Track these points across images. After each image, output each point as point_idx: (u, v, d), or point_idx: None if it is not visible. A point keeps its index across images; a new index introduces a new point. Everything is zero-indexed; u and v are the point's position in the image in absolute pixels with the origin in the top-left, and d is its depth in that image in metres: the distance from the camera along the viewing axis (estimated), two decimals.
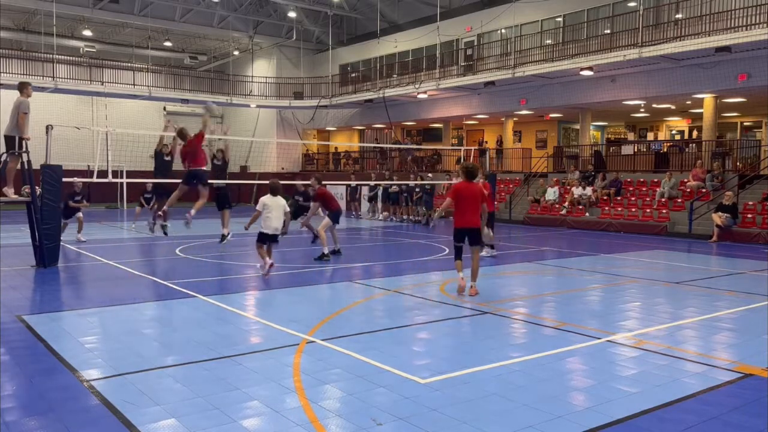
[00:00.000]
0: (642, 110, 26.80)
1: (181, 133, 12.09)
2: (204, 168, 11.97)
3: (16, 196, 11.46)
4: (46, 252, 11.24)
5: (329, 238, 13.45)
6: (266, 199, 10.51)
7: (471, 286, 9.15)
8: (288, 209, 10.98)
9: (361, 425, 4.33)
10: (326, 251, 12.85)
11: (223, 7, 32.68)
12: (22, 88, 10.98)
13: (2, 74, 27.65)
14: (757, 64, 19.01)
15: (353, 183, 26.71)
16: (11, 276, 10.49)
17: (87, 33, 34.36)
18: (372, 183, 25.36)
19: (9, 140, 10.84)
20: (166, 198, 12.77)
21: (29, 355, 5.95)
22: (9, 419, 4.37)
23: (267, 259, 10.47)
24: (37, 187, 11.50)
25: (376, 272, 11.62)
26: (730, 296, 9.39)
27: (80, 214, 15.35)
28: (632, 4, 21.54)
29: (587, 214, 21.77)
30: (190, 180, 11.81)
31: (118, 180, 14.06)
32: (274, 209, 10.47)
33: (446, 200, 9.78)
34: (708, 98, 21.50)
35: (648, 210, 20.33)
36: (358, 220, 25.28)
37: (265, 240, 10.56)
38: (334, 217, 13.29)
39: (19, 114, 10.69)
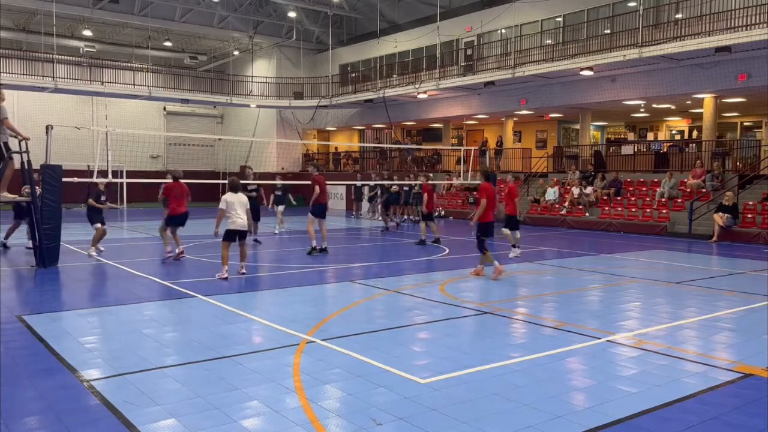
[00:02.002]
0: (642, 110, 26.78)
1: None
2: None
3: (15, 196, 11.45)
4: (46, 252, 11.24)
5: (319, 237, 13.64)
6: (228, 196, 10.44)
7: (482, 268, 10.97)
8: (249, 206, 10.73)
9: (361, 425, 4.33)
10: (314, 244, 13.41)
11: (223, 7, 32.67)
12: None
13: (2, 74, 27.64)
14: (757, 64, 19.00)
15: (358, 183, 26.69)
16: (11, 276, 10.49)
17: (87, 33, 34.35)
18: (372, 183, 25.35)
19: None
20: None
21: (29, 355, 5.95)
22: (9, 419, 4.37)
23: (226, 268, 10.41)
24: (37, 187, 11.50)
25: (376, 272, 11.61)
26: (730, 296, 9.39)
27: (104, 227, 13.26)
28: (632, 4, 21.53)
29: (587, 214, 21.76)
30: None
31: (118, 180, 14.02)
32: (237, 206, 10.42)
33: (482, 202, 10.75)
34: (708, 98, 21.50)
35: (648, 210, 20.33)
36: (359, 220, 25.28)
37: (234, 237, 10.50)
38: (316, 210, 13.34)
39: (1, 120, 10.48)
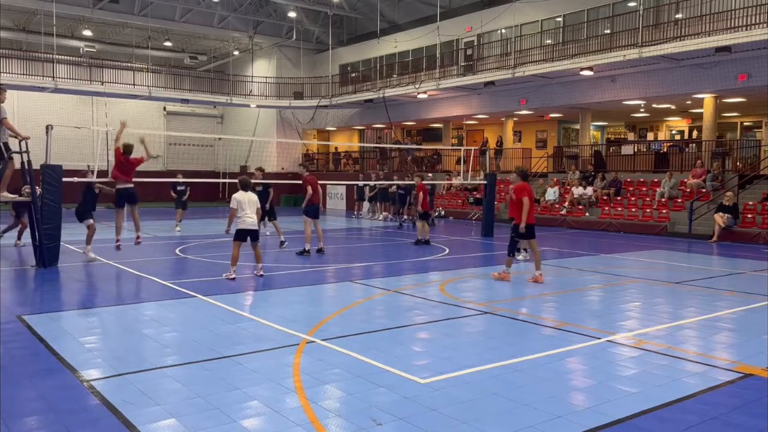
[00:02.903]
0: (642, 110, 26.79)
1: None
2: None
3: (14, 196, 11.44)
4: (46, 252, 11.24)
5: (314, 237, 13.66)
6: (238, 195, 10.25)
7: (540, 274, 10.29)
8: (259, 205, 10.58)
9: (361, 425, 4.33)
10: (307, 247, 13.38)
11: (223, 7, 32.67)
12: None
13: (2, 74, 27.64)
14: (757, 64, 19.00)
15: (360, 183, 26.68)
16: (11, 276, 10.49)
17: (87, 33, 34.34)
18: (371, 183, 25.35)
19: None
20: None
21: (29, 355, 5.95)
22: (9, 419, 4.37)
23: (234, 268, 10.30)
24: (37, 187, 11.49)
25: (376, 272, 11.61)
26: (730, 296, 9.39)
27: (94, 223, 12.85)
28: (632, 4, 21.53)
29: (587, 214, 21.77)
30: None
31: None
32: (247, 205, 10.25)
33: (525, 201, 10.27)
34: (708, 98, 21.50)
35: (648, 210, 20.34)
36: (359, 220, 25.28)
37: (244, 237, 10.29)
38: (309, 211, 13.37)
39: (1, 120, 10.45)
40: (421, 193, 15.91)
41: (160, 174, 33.17)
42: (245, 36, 35.63)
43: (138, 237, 12.37)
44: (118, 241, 12.13)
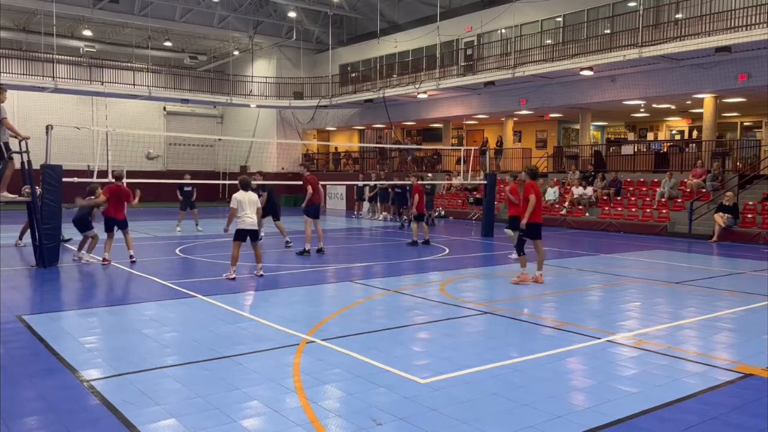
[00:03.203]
0: (642, 110, 26.79)
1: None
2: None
3: (15, 196, 11.45)
4: (46, 252, 11.24)
5: (314, 237, 13.67)
6: (239, 195, 10.20)
7: (540, 274, 10.30)
8: (260, 204, 10.55)
9: (361, 425, 4.34)
10: (307, 247, 13.42)
11: (223, 7, 32.67)
12: None
13: (2, 74, 27.64)
14: (757, 64, 19.00)
15: (360, 183, 26.67)
16: (11, 276, 10.49)
17: (87, 33, 34.35)
18: (372, 183, 25.34)
19: None
20: None
21: (29, 355, 5.95)
22: (9, 419, 4.37)
23: (234, 268, 10.30)
24: (37, 187, 11.49)
25: (375, 272, 11.61)
26: (730, 296, 9.39)
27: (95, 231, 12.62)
28: (632, 4, 21.53)
29: (587, 214, 21.77)
30: None
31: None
32: (247, 205, 10.21)
33: (532, 198, 10.18)
34: (708, 98, 21.50)
35: (648, 210, 20.34)
36: (359, 220, 25.28)
37: (244, 237, 10.26)
38: (309, 210, 13.37)
39: (1, 120, 10.44)
40: (417, 195, 15.65)
41: (160, 174, 33.22)
42: (245, 36, 35.63)
43: (131, 256, 12.32)
44: (104, 259, 12.03)
